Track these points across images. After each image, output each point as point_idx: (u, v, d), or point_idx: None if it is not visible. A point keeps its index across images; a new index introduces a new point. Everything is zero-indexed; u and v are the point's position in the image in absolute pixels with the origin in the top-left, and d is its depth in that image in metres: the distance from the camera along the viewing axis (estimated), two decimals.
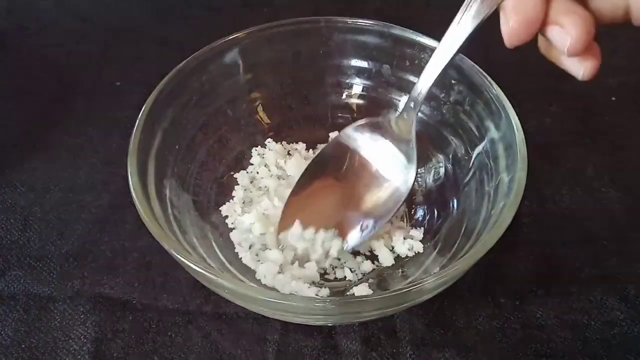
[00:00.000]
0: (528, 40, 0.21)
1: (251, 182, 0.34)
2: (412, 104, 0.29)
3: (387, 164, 0.30)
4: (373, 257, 0.31)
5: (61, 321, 0.29)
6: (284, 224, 0.30)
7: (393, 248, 0.31)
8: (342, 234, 0.30)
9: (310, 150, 0.36)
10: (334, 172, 0.31)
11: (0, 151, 0.38)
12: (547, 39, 0.21)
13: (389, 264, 0.30)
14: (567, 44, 0.20)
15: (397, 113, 0.30)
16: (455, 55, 0.25)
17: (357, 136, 0.31)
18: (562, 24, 0.20)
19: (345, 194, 0.31)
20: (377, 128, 0.30)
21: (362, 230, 0.30)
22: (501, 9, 0.21)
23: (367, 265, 0.30)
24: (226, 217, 0.32)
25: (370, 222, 0.30)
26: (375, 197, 0.30)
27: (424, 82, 0.27)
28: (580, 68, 0.21)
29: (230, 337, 0.28)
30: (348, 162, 0.31)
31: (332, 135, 0.35)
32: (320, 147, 0.34)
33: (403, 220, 0.33)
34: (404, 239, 0.31)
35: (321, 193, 0.31)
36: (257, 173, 0.35)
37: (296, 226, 0.29)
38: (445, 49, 0.25)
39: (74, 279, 0.31)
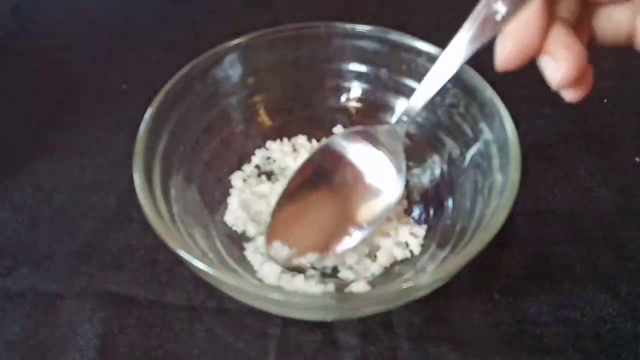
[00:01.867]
0: (518, 68, 0.21)
1: (244, 180, 0.35)
2: (404, 118, 0.29)
3: (376, 173, 0.30)
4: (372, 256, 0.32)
5: (68, 318, 0.30)
6: (272, 236, 0.30)
7: (405, 243, 0.32)
8: (326, 247, 0.30)
9: (313, 140, 0.37)
10: (322, 180, 0.31)
11: (9, 153, 0.39)
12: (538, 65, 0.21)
13: (388, 264, 0.31)
14: (557, 79, 0.20)
15: (387, 125, 0.30)
16: (450, 77, 0.25)
17: (345, 144, 0.31)
18: (555, 58, 0.19)
19: (333, 204, 0.30)
20: (366, 137, 0.30)
21: (346, 241, 0.30)
22: (499, 33, 0.21)
23: (376, 268, 0.30)
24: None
25: (356, 233, 0.30)
26: (364, 206, 0.30)
27: (417, 101, 0.27)
28: (568, 93, 0.21)
29: (233, 331, 0.29)
30: (336, 170, 0.31)
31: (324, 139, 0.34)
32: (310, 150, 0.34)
33: (407, 215, 0.33)
34: (410, 234, 0.32)
35: (309, 204, 0.31)
36: (249, 177, 0.35)
37: (282, 247, 0.29)
38: (440, 71, 0.25)
39: (81, 276, 0.31)
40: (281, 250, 0.30)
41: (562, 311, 0.30)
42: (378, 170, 0.30)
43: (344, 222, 0.30)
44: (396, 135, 0.30)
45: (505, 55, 0.20)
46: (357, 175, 0.30)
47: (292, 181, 0.31)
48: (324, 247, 0.30)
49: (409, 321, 0.29)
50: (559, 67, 0.20)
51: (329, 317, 0.28)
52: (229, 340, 0.29)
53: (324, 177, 0.31)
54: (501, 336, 0.29)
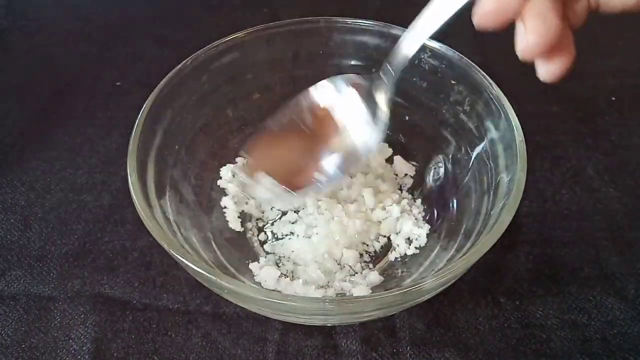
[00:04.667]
0: (496, 28, 0.20)
1: (234, 175, 0.34)
2: (391, 68, 0.27)
3: (355, 123, 0.29)
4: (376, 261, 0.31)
5: (61, 321, 0.29)
6: (254, 165, 0.30)
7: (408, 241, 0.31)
8: (300, 183, 0.30)
9: None
10: (302, 122, 0.30)
11: (0, 151, 0.38)
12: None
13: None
14: (520, 48, 0.19)
15: (375, 77, 0.28)
16: (438, 27, 0.23)
17: (330, 92, 0.30)
18: (526, 25, 0.19)
19: (310, 145, 0.30)
20: (352, 86, 0.29)
21: (318, 182, 0.30)
22: None
23: (375, 277, 0.30)
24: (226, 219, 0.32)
25: (326, 176, 0.29)
26: (338, 152, 0.30)
27: (407, 48, 0.25)
28: (541, 68, 0.21)
29: (230, 337, 0.28)
30: (317, 114, 0.30)
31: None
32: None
33: (411, 209, 0.33)
34: (414, 225, 0.31)
35: (288, 141, 0.31)
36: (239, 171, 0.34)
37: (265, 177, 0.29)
38: (430, 15, 0.23)
39: (74, 278, 0.31)
40: (265, 180, 0.29)
41: (569, 315, 0.29)
42: (356, 120, 0.29)
43: (317, 163, 0.30)
44: (382, 86, 0.28)
45: (484, 12, 0.20)
46: (335, 123, 0.30)
47: (274, 119, 0.31)
48: (296, 185, 0.29)
49: (411, 326, 0.29)
50: (527, 35, 0.19)
51: (329, 321, 0.27)
52: (226, 345, 0.28)
53: (303, 121, 0.30)
54: (507, 341, 0.28)
